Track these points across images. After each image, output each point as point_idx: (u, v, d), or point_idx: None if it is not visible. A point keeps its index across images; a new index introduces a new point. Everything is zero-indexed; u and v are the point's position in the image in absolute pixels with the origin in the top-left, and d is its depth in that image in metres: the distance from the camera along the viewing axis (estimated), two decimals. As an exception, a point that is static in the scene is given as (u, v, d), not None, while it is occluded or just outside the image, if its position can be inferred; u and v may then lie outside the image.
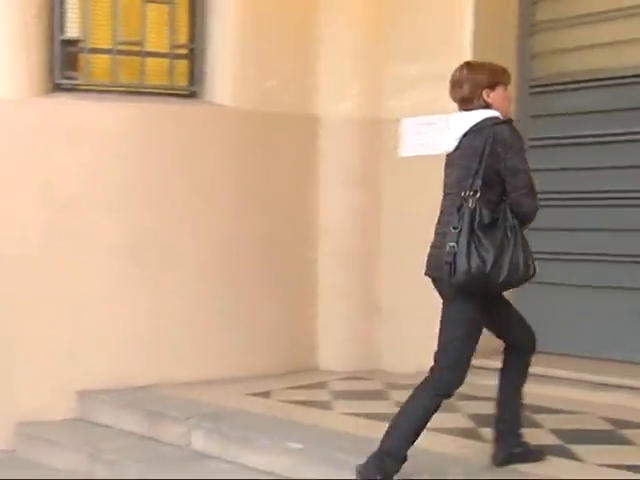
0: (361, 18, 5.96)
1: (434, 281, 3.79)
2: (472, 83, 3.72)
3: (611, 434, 4.34)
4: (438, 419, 4.60)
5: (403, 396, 5.10)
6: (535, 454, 3.92)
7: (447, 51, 5.68)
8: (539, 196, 5.22)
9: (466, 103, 3.73)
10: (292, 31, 5.90)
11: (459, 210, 3.55)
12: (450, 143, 3.76)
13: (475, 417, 4.68)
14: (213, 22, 5.75)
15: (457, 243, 3.50)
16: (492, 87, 3.73)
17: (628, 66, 5.40)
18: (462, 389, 5.29)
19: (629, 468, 3.77)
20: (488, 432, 4.24)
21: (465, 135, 3.68)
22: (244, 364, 5.69)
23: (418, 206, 5.81)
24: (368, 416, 4.75)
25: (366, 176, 6.01)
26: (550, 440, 4.24)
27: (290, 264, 5.94)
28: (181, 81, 5.83)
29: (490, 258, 3.49)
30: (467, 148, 3.66)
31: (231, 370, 5.63)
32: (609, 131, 5.43)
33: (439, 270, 3.62)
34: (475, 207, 3.53)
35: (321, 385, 5.59)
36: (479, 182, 3.55)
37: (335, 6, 5.92)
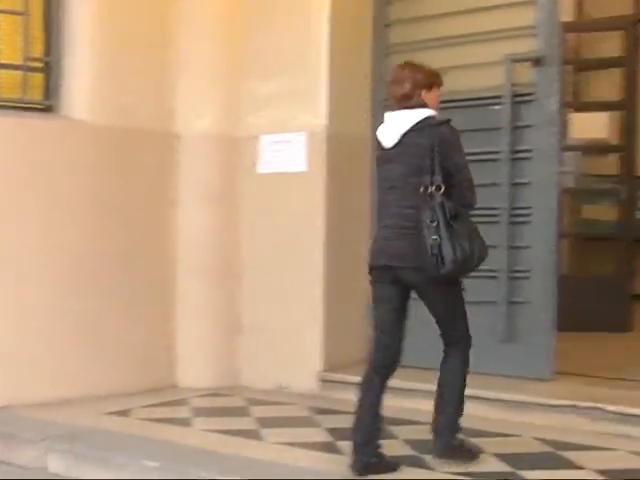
0: (217, 35, 5.99)
1: (387, 269, 3.99)
2: (413, 81, 4.02)
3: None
4: (296, 434, 4.71)
5: (263, 412, 5.22)
6: (390, 464, 4.04)
7: (304, 70, 5.81)
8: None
9: (406, 100, 4.00)
10: (149, 47, 5.87)
11: (429, 205, 3.81)
12: (389, 139, 3.99)
13: (333, 431, 4.76)
14: (69, 35, 5.66)
15: (439, 236, 3.76)
16: (429, 87, 4.07)
17: (478, 88, 5.62)
18: (320, 403, 5.44)
19: (477, 475, 3.94)
20: (346, 445, 4.35)
21: (406, 133, 3.93)
22: (102, 382, 5.60)
23: (277, 223, 5.89)
24: (228, 432, 4.77)
25: (225, 193, 6.04)
26: (405, 451, 4.37)
27: (149, 280, 5.90)
28: (36, 95, 5.71)
29: (467, 246, 3.84)
30: (411, 145, 3.91)
31: (89, 388, 5.53)
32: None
33: (400, 259, 3.91)
34: (442, 201, 3.82)
35: (181, 402, 5.57)
36: (439, 178, 3.84)
37: (191, 23, 5.92)
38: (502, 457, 4.22)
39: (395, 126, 3.99)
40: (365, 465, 3.97)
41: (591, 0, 8.91)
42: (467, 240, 3.85)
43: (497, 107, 5.50)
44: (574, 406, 4.80)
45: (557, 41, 5.40)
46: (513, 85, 5.42)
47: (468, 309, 5.41)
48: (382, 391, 4.10)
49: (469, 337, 4.17)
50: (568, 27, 7.62)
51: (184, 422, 5.07)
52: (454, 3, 5.75)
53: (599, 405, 4.73)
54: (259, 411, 5.27)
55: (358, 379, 5.48)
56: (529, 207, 5.42)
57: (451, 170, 3.90)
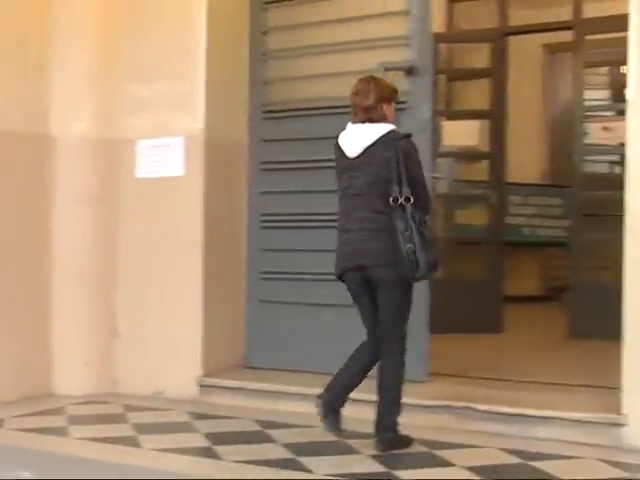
0: (94, 39, 5.91)
1: (361, 270, 4.32)
2: (376, 95, 4.37)
3: (339, 445, 4.56)
4: (174, 439, 4.70)
5: (141, 418, 5.18)
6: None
7: (182, 74, 5.80)
8: (266, 218, 5.55)
9: (369, 112, 4.35)
10: (25, 49, 5.75)
11: (401, 215, 4.18)
12: (354, 150, 4.34)
13: (211, 436, 4.77)
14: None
15: (413, 244, 4.15)
16: (389, 101, 4.44)
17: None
18: (199, 408, 5.44)
19: (351, 476, 4.01)
20: (224, 450, 4.39)
21: (370, 145, 4.28)
22: (-27, 392, 5.46)
23: (155, 227, 5.86)
24: (105, 440, 4.71)
25: (102, 196, 5.96)
26: (283, 454, 4.40)
27: (24, 284, 5.77)
28: None
29: (434, 251, 4.28)
30: (377, 157, 4.27)
31: (-41, 399, 5.39)
32: (333, 157, 5.71)
33: (373, 258, 4.26)
34: (413, 212, 4.20)
35: (57, 411, 5.46)
36: (407, 190, 4.22)
37: (68, 26, 5.83)
38: (377, 458, 4.31)
39: (360, 138, 4.33)
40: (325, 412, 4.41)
41: (462, 13, 9.20)
42: (432, 246, 4.27)
43: (372, 115, 5.61)
44: (448, 406, 4.93)
45: (429, 51, 5.56)
46: (387, 93, 5.53)
47: (344, 313, 5.58)
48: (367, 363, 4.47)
49: (405, 339, 4.45)
50: (440, 38, 7.86)
51: (60, 431, 4.97)
52: (330, 12, 5.83)
53: (471, 405, 4.87)
54: (137, 417, 5.23)
55: (237, 383, 5.56)
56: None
57: (412, 182, 4.25)
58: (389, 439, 4.38)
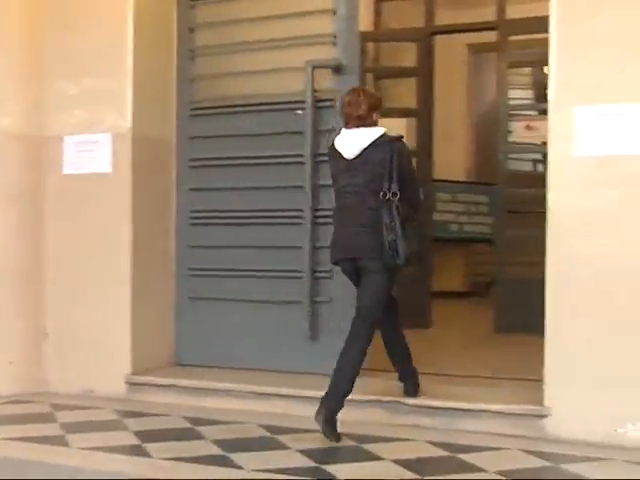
0: (19, 35, 5.82)
1: (353, 260, 4.79)
2: (367, 105, 4.80)
3: (268, 440, 4.60)
4: (103, 438, 4.67)
5: (69, 417, 5.14)
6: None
7: (109, 71, 5.75)
8: (195, 215, 5.56)
9: (361, 120, 4.78)
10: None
11: (387, 209, 4.62)
12: (351, 152, 4.75)
13: (141, 434, 4.75)
14: None
15: (395, 235, 4.60)
16: (377, 109, 4.86)
17: (281, 93, 5.76)
18: (128, 406, 5.42)
19: (281, 471, 4.04)
20: (154, 447, 4.38)
21: (366, 147, 4.70)
22: None
23: (83, 224, 5.81)
24: (32, 440, 4.65)
25: (28, 193, 5.88)
26: (213, 450, 4.41)
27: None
28: None
29: (413, 243, 4.74)
30: (373, 158, 4.70)
31: None
32: (261, 153, 5.76)
33: (363, 251, 4.71)
34: (398, 206, 4.63)
35: (-19, 411, 5.39)
36: (395, 186, 4.65)
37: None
38: (307, 452, 4.34)
39: (356, 141, 4.75)
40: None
41: (390, 12, 9.28)
42: (412, 238, 4.73)
43: (300, 112, 5.65)
44: (377, 401, 5.00)
45: (356, 50, 5.61)
46: (315, 91, 5.57)
47: (275, 309, 5.61)
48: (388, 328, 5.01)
49: (374, 319, 4.81)
50: (367, 37, 7.93)
51: (-15, 432, 4.91)
52: (258, 9, 5.84)
53: (400, 399, 4.95)
54: (65, 416, 5.18)
55: (166, 381, 5.54)
56: (331, 208, 5.57)
57: (405, 177, 4.71)
58: (332, 409, 4.54)
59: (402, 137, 4.86)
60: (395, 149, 4.71)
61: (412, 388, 5.05)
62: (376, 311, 4.77)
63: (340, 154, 4.81)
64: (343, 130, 4.86)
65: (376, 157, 4.69)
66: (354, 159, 4.75)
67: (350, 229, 4.78)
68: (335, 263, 4.99)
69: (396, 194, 4.63)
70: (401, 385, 5.07)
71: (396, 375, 5.10)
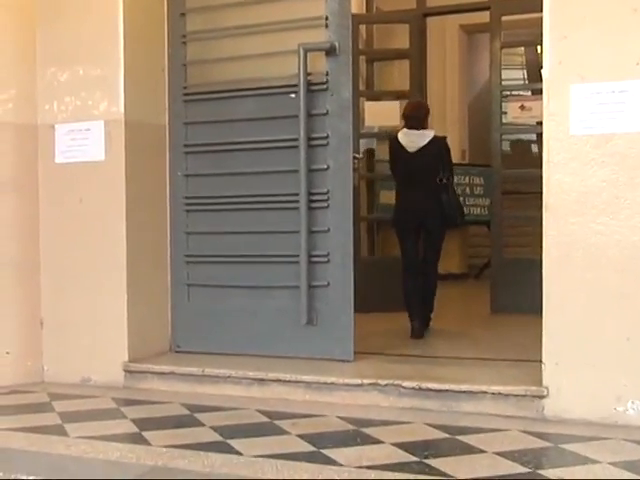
0: (9, 23, 5.77)
1: (420, 224, 6.74)
2: (425, 112, 6.84)
3: (267, 426, 4.59)
4: (101, 426, 4.66)
5: (67, 407, 5.13)
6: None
7: (100, 58, 5.70)
8: (190, 201, 5.54)
9: (421, 122, 6.73)
10: None
11: (445, 189, 6.70)
12: (414, 147, 6.64)
13: (139, 421, 4.74)
14: None
15: (451, 207, 6.72)
16: (429, 116, 6.91)
17: (274, 77, 5.72)
18: (126, 394, 5.42)
19: (281, 456, 4.02)
20: (152, 435, 4.37)
21: (425, 145, 6.62)
22: None
23: (77, 213, 5.78)
24: (31, 430, 4.64)
25: (20, 183, 5.83)
26: (211, 437, 4.40)
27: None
28: None
29: (462, 212, 7.05)
30: (429, 151, 6.63)
31: None
32: (255, 138, 5.73)
33: (428, 213, 6.69)
34: (451, 188, 6.78)
35: (-21, 402, 5.38)
36: (447, 173, 6.69)
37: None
38: (306, 437, 4.34)
39: (418, 139, 6.65)
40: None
41: (382, -6, 9.26)
42: (460, 208, 6.97)
43: (293, 95, 5.61)
44: (375, 384, 4.98)
45: (348, 32, 5.57)
46: (308, 74, 5.53)
47: (271, 294, 5.60)
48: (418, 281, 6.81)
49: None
50: (359, 19, 7.90)
51: (-17, 422, 4.90)
52: (249, -8, 5.82)
53: (398, 382, 4.94)
54: (63, 406, 5.17)
55: (164, 368, 5.54)
56: (326, 192, 5.58)
57: (448, 167, 6.79)
58: (426, 317, 6.81)
59: (446, 137, 6.94)
60: (444, 146, 6.75)
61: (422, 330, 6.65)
62: (439, 256, 6.82)
63: (403, 147, 6.61)
64: (404, 129, 6.71)
65: (431, 152, 6.60)
66: (415, 152, 6.60)
67: (417, 199, 6.64)
68: (398, 225, 6.76)
69: (449, 178, 6.66)
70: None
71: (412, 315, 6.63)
